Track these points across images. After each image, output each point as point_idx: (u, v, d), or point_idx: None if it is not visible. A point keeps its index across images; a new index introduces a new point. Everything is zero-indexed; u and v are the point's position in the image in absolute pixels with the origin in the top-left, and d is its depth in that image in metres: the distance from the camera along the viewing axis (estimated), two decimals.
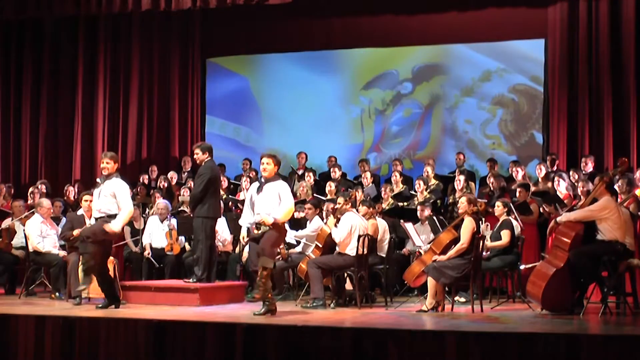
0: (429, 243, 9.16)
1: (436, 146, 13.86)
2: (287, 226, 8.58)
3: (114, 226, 8.46)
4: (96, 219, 8.59)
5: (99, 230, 8.47)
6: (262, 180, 8.22)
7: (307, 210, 10.38)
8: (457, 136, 13.74)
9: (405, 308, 9.03)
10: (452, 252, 8.63)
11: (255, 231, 8.17)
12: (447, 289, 8.81)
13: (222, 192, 11.36)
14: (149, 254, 11.06)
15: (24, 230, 10.56)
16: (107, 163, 8.63)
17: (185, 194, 12.01)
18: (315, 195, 11.77)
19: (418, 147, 13.87)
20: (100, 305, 8.57)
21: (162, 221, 11.22)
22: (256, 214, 8.15)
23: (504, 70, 13.55)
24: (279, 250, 9.81)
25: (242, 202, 11.17)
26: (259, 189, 8.16)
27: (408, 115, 14.04)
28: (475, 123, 13.66)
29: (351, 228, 9.14)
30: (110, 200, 8.51)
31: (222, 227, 10.80)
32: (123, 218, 8.54)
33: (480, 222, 9.09)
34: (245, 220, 8.35)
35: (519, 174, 11.51)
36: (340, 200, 9.97)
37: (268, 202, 8.05)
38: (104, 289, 8.65)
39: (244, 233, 8.48)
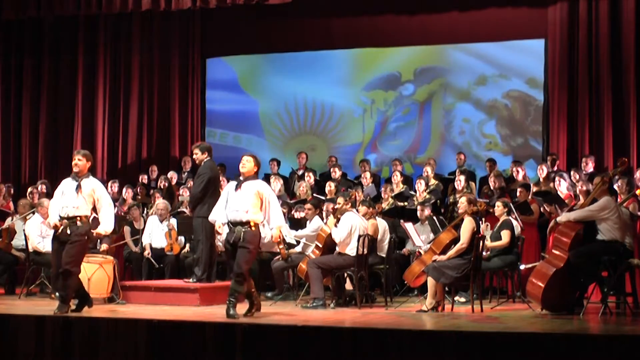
0: (429, 243, 9.16)
1: (434, 147, 13.86)
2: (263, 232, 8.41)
3: (108, 227, 8.39)
4: (69, 218, 8.23)
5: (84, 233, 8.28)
6: (241, 178, 8.17)
7: (307, 210, 10.38)
8: (454, 137, 13.74)
9: (405, 308, 9.04)
10: (452, 252, 8.63)
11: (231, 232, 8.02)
12: (447, 289, 8.82)
13: (221, 192, 11.34)
14: (148, 254, 11.06)
15: (24, 230, 10.57)
16: (80, 160, 8.32)
17: (185, 194, 12.01)
18: (315, 195, 11.77)
19: (418, 151, 13.84)
20: (73, 308, 8.26)
21: (161, 221, 11.22)
22: (233, 211, 7.99)
23: (501, 74, 13.52)
24: (278, 250, 9.81)
25: None
26: (237, 187, 8.09)
27: (406, 114, 14.02)
28: (472, 123, 13.67)
29: (351, 228, 9.14)
30: (89, 200, 8.30)
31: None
32: (111, 219, 8.44)
33: (480, 222, 9.09)
34: (219, 217, 8.13)
35: (519, 174, 11.51)
36: (340, 200, 9.97)
37: (246, 201, 7.94)
38: (77, 290, 8.45)
39: (219, 223, 8.18)
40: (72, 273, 8.21)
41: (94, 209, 8.44)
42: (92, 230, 8.36)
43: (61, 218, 8.28)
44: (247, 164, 8.09)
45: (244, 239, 7.87)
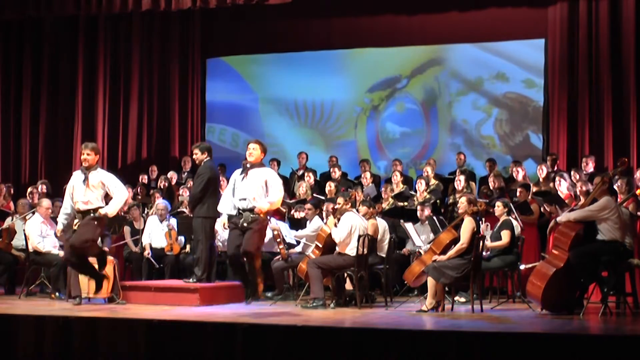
0: (429, 243, 9.16)
1: (436, 147, 13.86)
2: (272, 220, 8.45)
3: (109, 209, 8.33)
4: (82, 212, 8.32)
5: (92, 229, 8.29)
6: (248, 165, 8.14)
7: (307, 210, 10.37)
8: (454, 135, 13.75)
9: (405, 308, 9.03)
10: (452, 252, 8.63)
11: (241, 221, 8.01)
12: (447, 289, 8.82)
13: (221, 192, 11.36)
14: (148, 254, 11.06)
15: (24, 230, 10.57)
16: (88, 154, 8.39)
17: (185, 194, 12.01)
18: (315, 195, 11.77)
19: (424, 157, 13.79)
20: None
21: (161, 221, 11.23)
22: (240, 199, 7.96)
23: (501, 73, 13.53)
24: (278, 250, 9.83)
25: None
26: (244, 174, 8.06)
27: (402, 111, 14.02)
28: (471, 123, 13.67)
29: (351, 228, 9.13)
30: (98, 192, 8.35)
31: (221, 227, 10.79)
32: (119, 202, 8.44)
33: (480, 222, 9.09)
34: (226, 207, 8.15)
35: (519, 174, 11.51)
36: (340, 200, 9.97)
37: (252, 188, 7.91)
38: (88, 274, 8.53)
39: (224, 219, 8.25)
40: (83, 250, 8.20)
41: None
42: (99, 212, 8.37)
43: (75, 213, 8.35)
44: (254, 152, 8.11)
45: (251, 222, 7.87)
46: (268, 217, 8.25)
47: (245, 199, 7.96)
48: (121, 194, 8.47)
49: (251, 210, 7.93)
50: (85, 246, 8.25)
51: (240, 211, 8.00)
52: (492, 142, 13.57)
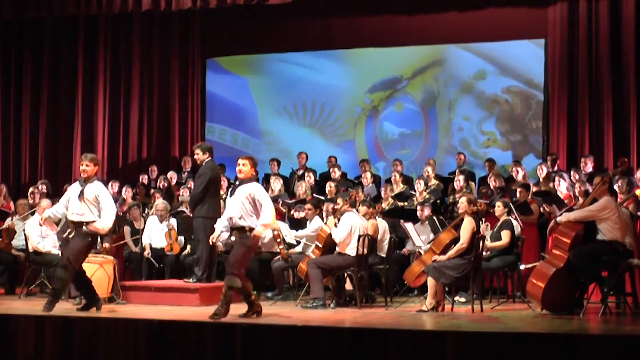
0: (429, 243, 9.16)
1: (434, 147, 13.86)
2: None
3: (104, 225, 8.35)
4: (74, 222, 8.33)
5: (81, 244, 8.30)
6: (237, 182, 8.11)
7: (307, 211, 10.37)
8: (453, 135, 13.74)
9: (405, 308, 9.04)
10: (452, 252, 8.63)
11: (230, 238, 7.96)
12: (447, 289, 8.82)
13: (222, 193, 11.37)
14: (148, 254, 11.06)
15: (24, 230, 10.57)
16: (87, 165, 8.38)
17: (185, 194, 12.00)
18: (315, 195, 11.77)
19: (424, 159, 13.74)
20: (79, 307, 8.41)
21: (161, 221, 11.23)
22: (228, 218, 7.90)
23: (501, 74, 13.54)
24: (279, 250, 9.83)
25: None
26: (232, 192, 8.02)
27: (400, 110, 14.02)
28: (471, 122, 13.67)
29: (351, 228, 9.14)
30: (92, 204, 8.33)
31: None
32: (110, 217, 8.40)
33: (480, 222, 9.10)
34: (220, 225, 8.10)
35: (519, 174, 11.52)
36: (340, 200, 9.97)
37: (238, 206, 7.81)
38: (82, 290, 8.55)
39: (217, 234, 8.20)
40: (66, 267, 8.23)
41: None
42: (90, 227, 8.36)
43: (68, 222, 8.39)
44: (244, 168, 7.97)
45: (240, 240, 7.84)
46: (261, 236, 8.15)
47: (232, 218, 7.87)
48: (109, 211, 8.40)
49: (239, 229, 7.83)
50: (74, 260, 8.26)
51: (231, 229, 7.95)
52: (493, 137, 13.56)
